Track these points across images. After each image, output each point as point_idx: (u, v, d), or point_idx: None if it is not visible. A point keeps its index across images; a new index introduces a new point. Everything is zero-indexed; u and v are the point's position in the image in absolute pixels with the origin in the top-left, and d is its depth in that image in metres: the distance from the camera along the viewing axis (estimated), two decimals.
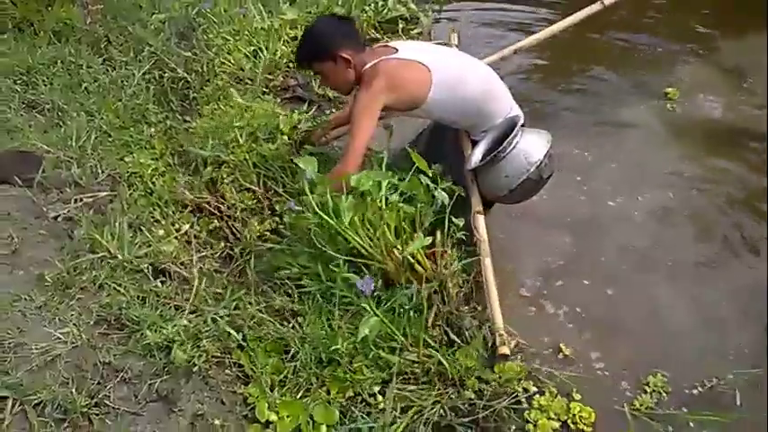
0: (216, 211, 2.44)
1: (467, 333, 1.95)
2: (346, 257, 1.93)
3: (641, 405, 1.88)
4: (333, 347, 1.83)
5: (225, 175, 2.52)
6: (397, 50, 2.19)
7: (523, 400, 1.83)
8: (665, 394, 1.92)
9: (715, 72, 3.58)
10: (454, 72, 2.22)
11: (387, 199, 1.97)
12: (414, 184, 2.03)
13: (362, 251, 1.94)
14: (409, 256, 1.94)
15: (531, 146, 2.17)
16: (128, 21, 3.57)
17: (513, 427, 1.79)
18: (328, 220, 1.91)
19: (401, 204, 2.03)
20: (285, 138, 2.63)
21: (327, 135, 2.63)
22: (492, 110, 2.29)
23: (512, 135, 2.14)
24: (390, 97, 2.12)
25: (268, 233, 2.31)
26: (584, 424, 1.80)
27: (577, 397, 1.89)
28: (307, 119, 2.81)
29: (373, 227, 1.96)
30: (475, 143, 2.34)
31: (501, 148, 2.13)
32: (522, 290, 2.32)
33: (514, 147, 2.14)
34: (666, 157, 2.97)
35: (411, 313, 1.92)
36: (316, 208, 1.92)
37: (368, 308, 1.81)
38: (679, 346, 2.11)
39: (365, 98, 2.10)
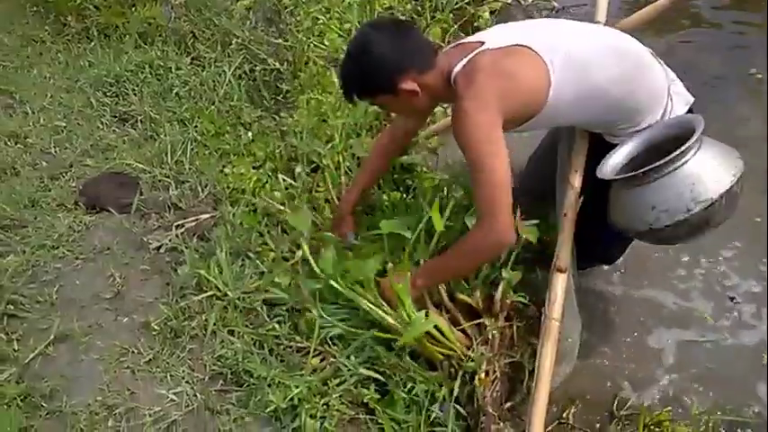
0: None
1: None
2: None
3: None
4: None
5: (320, 183, 2.18)
6: (483, 44, 1.50)
7: None
8: None
9: None
10: (577, 53, 1.47)
11: None
12: None
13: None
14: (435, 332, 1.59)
15: (708, 171, 1.37)
16: (212, 12, 3.30)
17: None
18: (338, 288, 1.64)
19: None
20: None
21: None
22: (639, 101, 1.52)
23: (686, 147, 1.34)
24: (504, 104, 1.42)
25: None
26: None
27: None
28: None
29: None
30: (607, 147, 1.59)
31: (662, 162, 1.35)
32: None
33: (682, 164, 1.37)
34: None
35: None
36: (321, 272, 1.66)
37: None
38: None
39: (475, 122, 1.40)
